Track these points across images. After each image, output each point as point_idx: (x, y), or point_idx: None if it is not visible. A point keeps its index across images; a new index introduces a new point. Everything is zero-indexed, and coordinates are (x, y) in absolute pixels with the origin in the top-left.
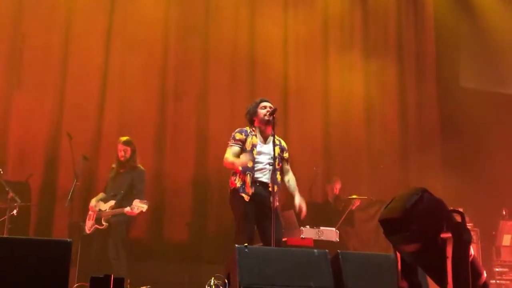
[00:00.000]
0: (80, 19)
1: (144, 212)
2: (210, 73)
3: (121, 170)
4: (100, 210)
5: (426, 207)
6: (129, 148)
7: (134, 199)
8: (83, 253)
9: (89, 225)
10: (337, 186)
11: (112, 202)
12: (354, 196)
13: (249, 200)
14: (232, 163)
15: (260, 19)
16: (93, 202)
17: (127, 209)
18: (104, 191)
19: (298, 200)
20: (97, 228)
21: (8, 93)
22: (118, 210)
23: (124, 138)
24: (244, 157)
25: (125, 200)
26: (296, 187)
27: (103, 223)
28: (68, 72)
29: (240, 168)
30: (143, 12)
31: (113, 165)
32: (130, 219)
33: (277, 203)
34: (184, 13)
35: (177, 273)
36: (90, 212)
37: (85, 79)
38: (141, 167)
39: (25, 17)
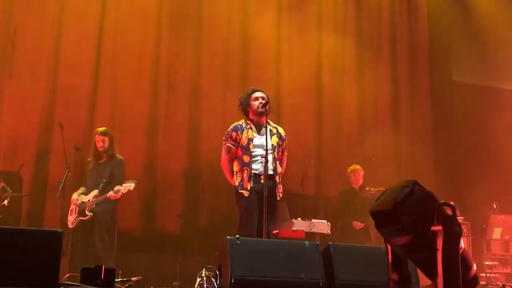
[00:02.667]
0: (72, 9)
1: (132, 193)
2: (203, 64)
3: (100, 161)
4: (82, 202)
5: (417, 200)
6: (106, 138)
7: (115, 186)
8: (74, 244)
9: (71, 220)
10: (361, 174)
11: (95, 192)
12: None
13: (249, 194)
14: (230, 178)
15: (253, 11)
16: (74, 196)
17: (110, 193)
18: (84, 185)
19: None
20: (81, 220)
21: None
22: (101, 197)
23: (101, 129)
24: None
25: (107, 189)
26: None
27: (87, 213)
28: (60, 63)
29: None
30: (136, 2)
31: (89, 159)
32: (114, 207)
33: (281, 194)
34: (177, 4)
35: (168, 264)
36: (72, 206)
37: (77, 70)
38: (119, 156)
39: (17, 8)
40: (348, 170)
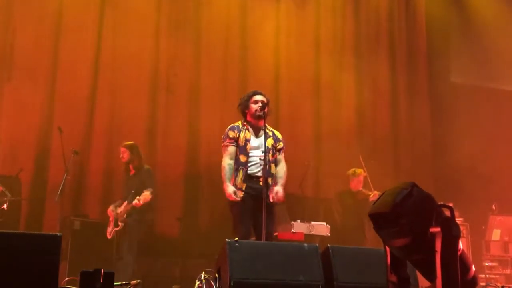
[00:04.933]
0: (71, 13)
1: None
2: (202, 68)
3: (131, 173)
4: (116, 213)
5: (415, 201)
6: (126, 151)
7: None
8: (74, 247)
9: (109, 230)
10: (362, 178)
11: (125, 203)
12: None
13: (243, 195)
14: (224, 182)
15: (252, 13)
16: (110, 207)
17: (135, 201)
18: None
19: (277, 188)
20: (116, 231)
21: None
22: (128, 207)
23: (126, 143)
24: (232, 192)
25: (137, 197)
26: (283, 177)
27: (119, 223)
28: (59, 66)
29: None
30: (134, 6)
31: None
32: (142, 219)
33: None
34: (175, 7)
35: (168, 268)
36: (110, 218)
37: (76, 73)
38: (147, 166)
39: (16, 11)
40: (350, 173)
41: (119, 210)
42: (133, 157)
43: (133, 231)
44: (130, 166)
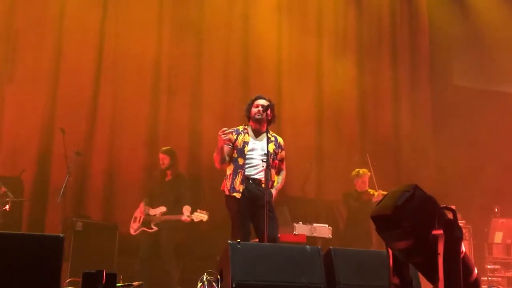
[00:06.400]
0: (73, 14)
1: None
2: (204, 69)
3: (166, 179)
4: (148, 214)
5: (417, 204)
6: (167, 157)
7: (183, 206)
8: (76, 248)
9: (134, 227)
10: (367, 178)
11: (162, 209)
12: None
13: (241, 197)
14: (215, 153)
15: (254, 15)
16: (142, 205)
17: (185, 217)
18: (149, 196)
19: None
20: (144, 231)
21: (0, 88)
22: (173, 217)
23: (164, 148)
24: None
25: (174, 208)
26: (280, 183)
27: (153, 227)
28: (61, 68)
29: (224, 137)
30: (137, 7)
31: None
32: (178, 226)
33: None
34: (177, 9)
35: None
36: (137, 214)
37: (78, 74)
38: (184, 174)
39: (18, 12)
40: (354, 174)
41: (153, 212)
42: (173, 163)
43: (170, 237)
44: (168, 172)
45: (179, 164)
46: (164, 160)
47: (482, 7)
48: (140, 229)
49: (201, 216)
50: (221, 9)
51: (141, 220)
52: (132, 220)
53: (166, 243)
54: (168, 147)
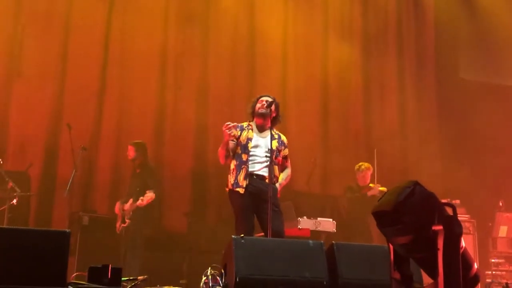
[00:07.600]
0: (80, 8)
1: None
2: (210, 64)
3: (137, 171)
4: (123, 210)
5: (417, 200)
6: (132, 148)
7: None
8: (82, 243)
9: (117, 226)
10: (369, 173)
11: (131, 201)
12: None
13: (245, 192)
14: (220, 148)
15: (260, 9)
16: (117, 204)
17: (138, 201)
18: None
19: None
20: (123, 227)
21: (8, 83)
22: (133, 205)
23: (135, 141)
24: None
25: (140, 196)
26: (285, 179)
27: (126, 220)
28: (67, 62)
29: (228, 132)
30: (143, 3)
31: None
32: (147, 216)
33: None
34: (183, 3)
35: (175, 263)
36: (118, 213)
37: (84, 69)
38: (151, 165)
39: (25, 8)
40: (356, 168)
41: (125, 207)
42: (138, 155)
43: (138, 228)
44: (136, 164)
45: (152, 155)
46: (130, 152)
47: (488, 1)
48: (121, 227)
49: (148, 195)
50: (227, 4)
51: (120, 217)
52: (117, 219)
53: (132, 233)
54: (139, 141)
